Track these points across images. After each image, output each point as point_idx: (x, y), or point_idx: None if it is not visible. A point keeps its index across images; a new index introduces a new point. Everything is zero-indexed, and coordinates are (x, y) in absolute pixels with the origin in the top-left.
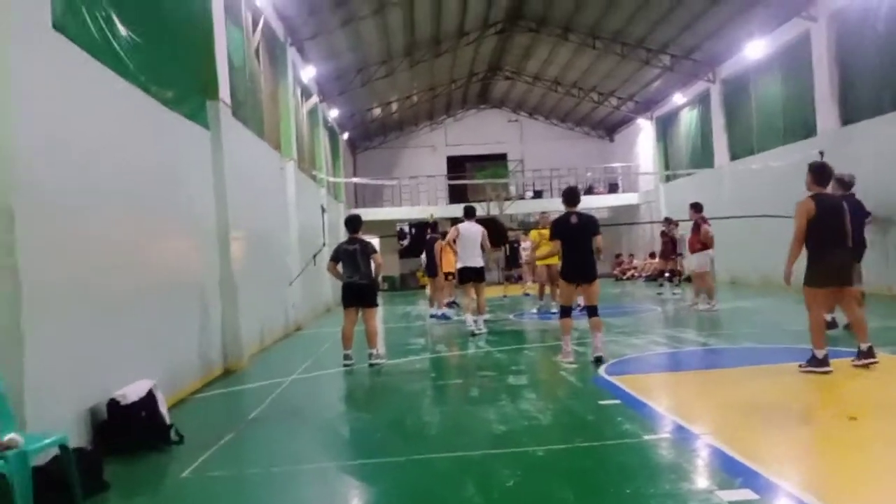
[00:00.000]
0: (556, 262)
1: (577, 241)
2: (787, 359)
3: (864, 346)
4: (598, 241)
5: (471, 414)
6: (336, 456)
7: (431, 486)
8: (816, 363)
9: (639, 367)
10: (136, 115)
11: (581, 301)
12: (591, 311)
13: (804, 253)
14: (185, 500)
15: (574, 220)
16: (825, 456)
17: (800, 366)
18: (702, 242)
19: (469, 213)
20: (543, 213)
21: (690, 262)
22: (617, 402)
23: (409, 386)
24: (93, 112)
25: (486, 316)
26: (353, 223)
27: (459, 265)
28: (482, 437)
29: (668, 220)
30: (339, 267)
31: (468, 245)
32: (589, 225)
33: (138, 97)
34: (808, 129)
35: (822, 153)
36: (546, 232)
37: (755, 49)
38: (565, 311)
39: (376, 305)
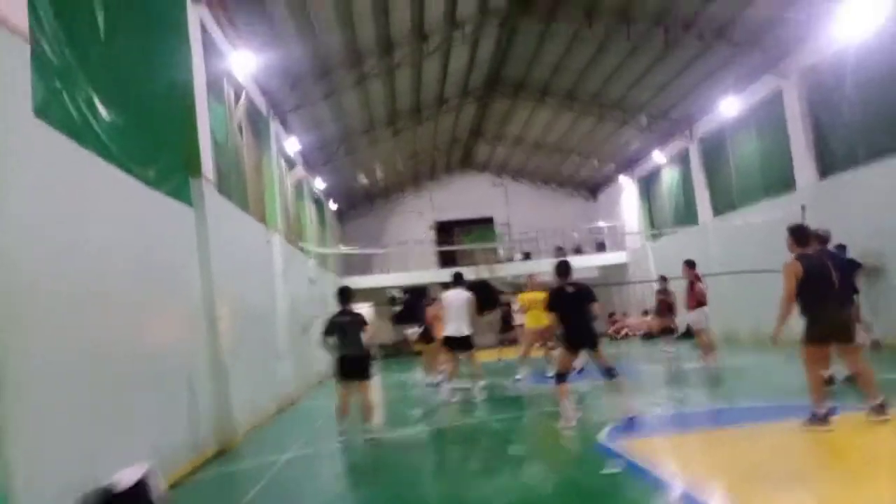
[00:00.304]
0: (544, 323)
1: (576, 310)
2: (788, 416)
3: (875, 402)
4: (595, 308)
5: (472, 488)
6: None
7: None
8: (818, 421)
9: (641, 430)
10: (119, 196)
11: (577, 365)
12: (609, 373)
13: (794, 311)
14: None
15: (570, 290)
16: None
17: (802, 423)
18: (696, 299)
19: (457, 280)
20: (531, 275)
21: (689, 320)
22: (620, 469)
23: (407, 460)
24: (75, 196)
25: (482, 382)
26: (345, 295)
27: (445, 334)
28: None
29: (662, 279)
30: (332, 340)
31: (453, 313)
32: (584, 293)
33: (120, 178)
34: (787, 184)
35: (804, 207)
36: (533, 296)
37: (730, 106)
38: (561, 378)
39: (370, 378)
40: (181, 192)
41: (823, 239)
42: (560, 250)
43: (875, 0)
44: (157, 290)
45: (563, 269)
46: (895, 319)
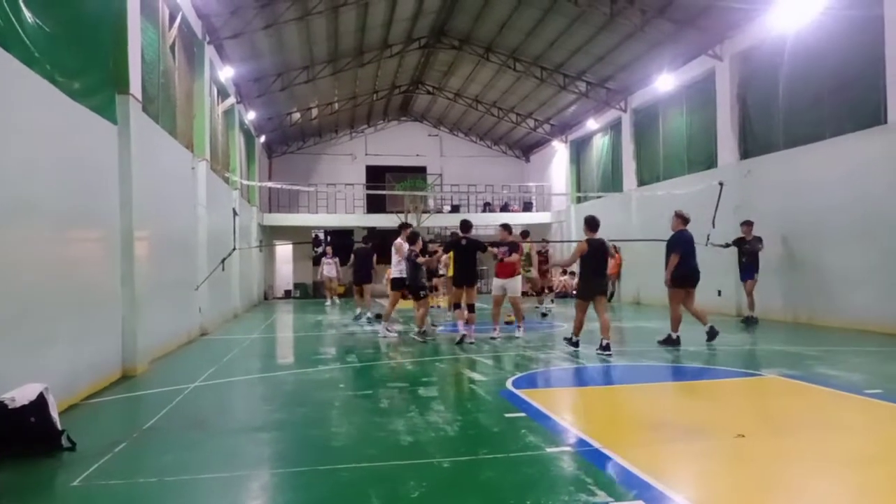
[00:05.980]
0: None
1: (466, 257)
2: (683, 377)
3: (603, 342)
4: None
5: (379, 425)
6: (236, 466)
7: (335, 497)
8: (572, 344)
9: (544, 381)
10: (42, 107)
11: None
12: (469, 307)
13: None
14: None
15: (464, 242)
16: (714, 470)
17: (566, 338)
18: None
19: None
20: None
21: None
22: (522, 414)
23: (315, 395)
24: None
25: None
26: (466, 226)
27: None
28: (389, 449)
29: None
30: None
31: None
32: (475, 246)
33: (44, 88)
34: (709, 161)
35: (721, 184)
36: None
37: (664, 82)
38: (457, 306)
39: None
40: (106, 110)
41: (685, 219)
42: (487, 206)
43: None
44: (74, 208)
45: (464, 225)
46: (802, 296)
